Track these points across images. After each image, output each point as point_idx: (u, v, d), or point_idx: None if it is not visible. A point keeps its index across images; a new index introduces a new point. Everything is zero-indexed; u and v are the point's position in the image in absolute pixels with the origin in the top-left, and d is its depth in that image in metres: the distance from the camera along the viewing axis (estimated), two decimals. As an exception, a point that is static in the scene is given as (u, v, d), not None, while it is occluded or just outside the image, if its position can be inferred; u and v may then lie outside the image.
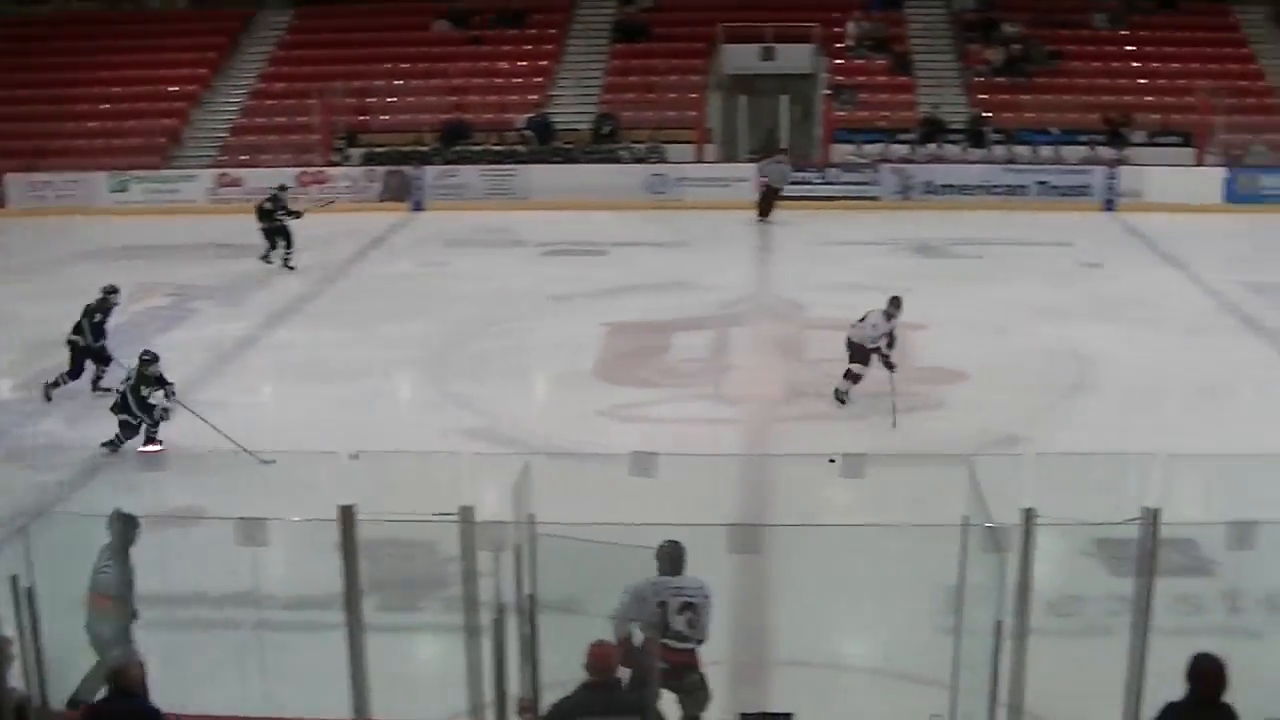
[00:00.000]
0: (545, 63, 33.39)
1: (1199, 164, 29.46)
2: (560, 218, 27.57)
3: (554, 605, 7.14)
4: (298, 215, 22.59)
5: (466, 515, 7.34)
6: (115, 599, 8.41)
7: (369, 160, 30.58)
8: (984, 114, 30.49)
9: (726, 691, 9.33)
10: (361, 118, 31.92)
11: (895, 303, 15.40)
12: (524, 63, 33.56)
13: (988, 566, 7.23)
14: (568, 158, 29.92)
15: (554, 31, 34.27)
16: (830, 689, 9.37)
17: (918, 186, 28.82)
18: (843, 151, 30.01)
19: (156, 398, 13.97)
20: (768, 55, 32.31)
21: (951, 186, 28.81)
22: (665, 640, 8.00)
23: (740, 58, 32.46)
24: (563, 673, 7.00)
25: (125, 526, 8.46)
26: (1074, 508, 8.43)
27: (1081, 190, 28.68)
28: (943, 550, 7.89)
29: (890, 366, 15.26)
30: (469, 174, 29.74)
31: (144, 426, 13.90)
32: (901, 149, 29.66)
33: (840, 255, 24.04)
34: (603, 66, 33.25)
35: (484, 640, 7.40)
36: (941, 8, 34.42)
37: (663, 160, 29.95)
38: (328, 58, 33.36)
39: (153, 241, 26.11)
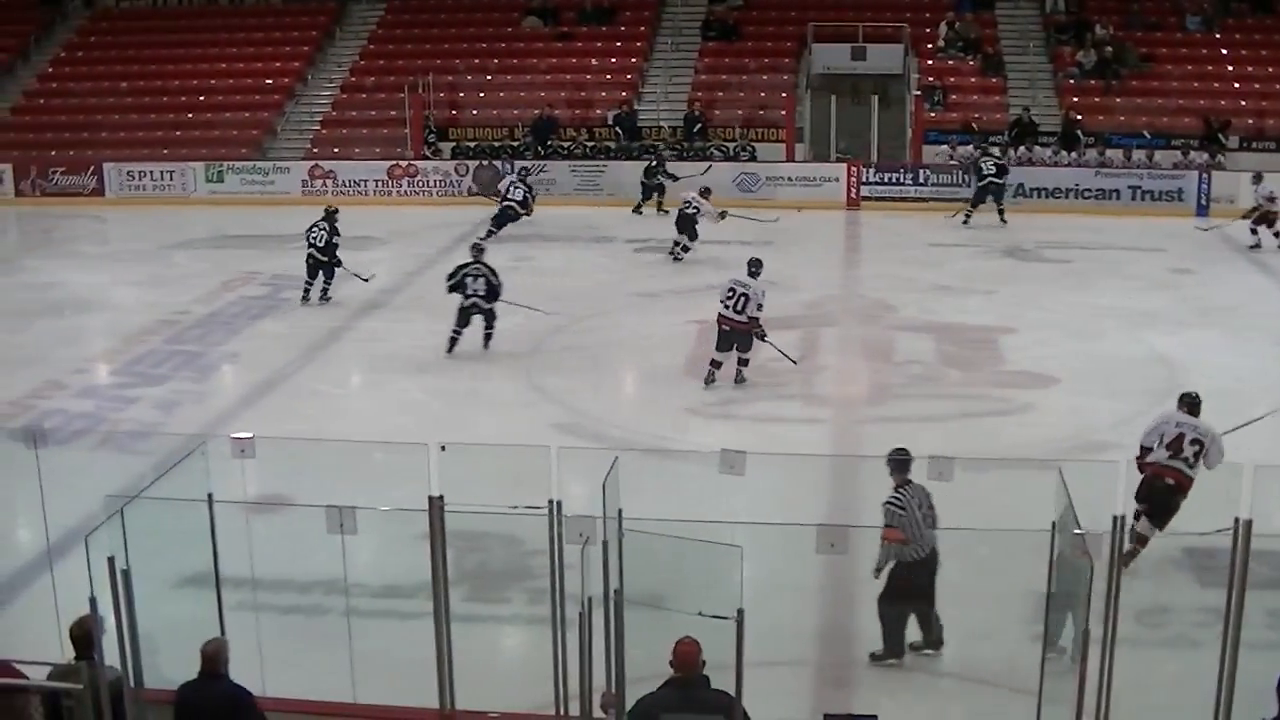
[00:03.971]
0: (634, 60, 33.45)
1: (1295, 170, 28.87)
2: (648, 214, 27.64)
3: (639, 600, 7.05)
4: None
5: (555, 509, 7.45)
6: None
7: (459, 154, 30.84)
8: (1075, 116, 30.12)
9: (811, 692, 9.37)
10: (452, 112, 32.15)
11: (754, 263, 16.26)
12: (612, 60, 33.66)
13: (1076, 574, 7.16)
14: (657, 156, 29.97)
15: (643, 29, 34.29)
16: (915, 692, 9.29)
17: (1008, 189, 28.55)
18: (932, 153, 29.84)
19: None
20: (858, 55, 32.21)
21: (1043, 190, 28.53)
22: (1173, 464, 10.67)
23: (830, 57, 32.33)
24: (646, 669, 6.94)
25: None
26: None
27: (1174, 195, 28.25)
28: (1031, 556, 7.81)
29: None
30: (557, 170, 29.85)
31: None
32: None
33: (930, 257, 23.90)
34: (691, 65, 33.26)
35: (569, 633, 7.46)
36: (1033, 9, 34.03)
37: (753, 159, 29.91)
38: (417, 52, 33.66)
39: (247, 231, 26.52)
